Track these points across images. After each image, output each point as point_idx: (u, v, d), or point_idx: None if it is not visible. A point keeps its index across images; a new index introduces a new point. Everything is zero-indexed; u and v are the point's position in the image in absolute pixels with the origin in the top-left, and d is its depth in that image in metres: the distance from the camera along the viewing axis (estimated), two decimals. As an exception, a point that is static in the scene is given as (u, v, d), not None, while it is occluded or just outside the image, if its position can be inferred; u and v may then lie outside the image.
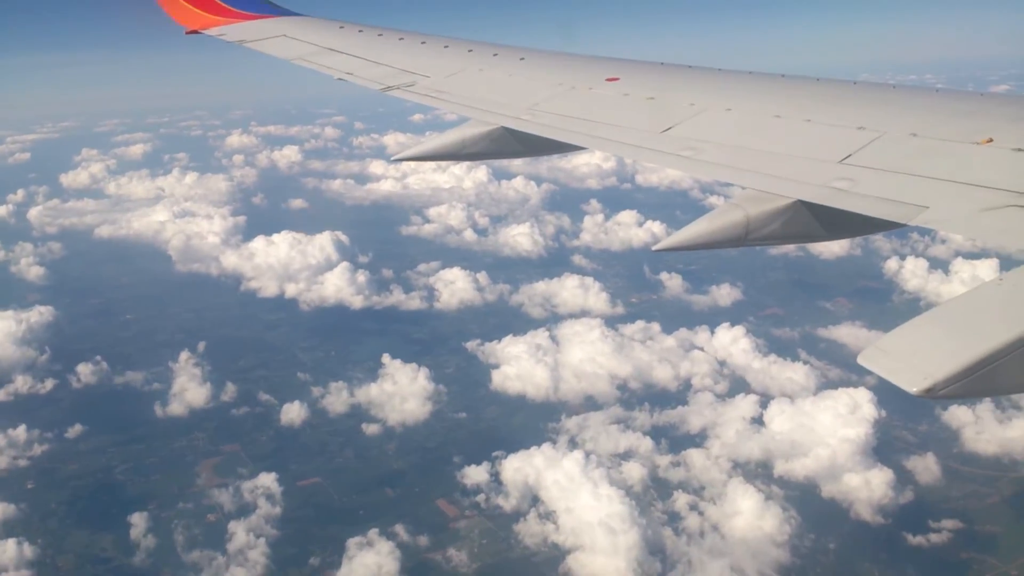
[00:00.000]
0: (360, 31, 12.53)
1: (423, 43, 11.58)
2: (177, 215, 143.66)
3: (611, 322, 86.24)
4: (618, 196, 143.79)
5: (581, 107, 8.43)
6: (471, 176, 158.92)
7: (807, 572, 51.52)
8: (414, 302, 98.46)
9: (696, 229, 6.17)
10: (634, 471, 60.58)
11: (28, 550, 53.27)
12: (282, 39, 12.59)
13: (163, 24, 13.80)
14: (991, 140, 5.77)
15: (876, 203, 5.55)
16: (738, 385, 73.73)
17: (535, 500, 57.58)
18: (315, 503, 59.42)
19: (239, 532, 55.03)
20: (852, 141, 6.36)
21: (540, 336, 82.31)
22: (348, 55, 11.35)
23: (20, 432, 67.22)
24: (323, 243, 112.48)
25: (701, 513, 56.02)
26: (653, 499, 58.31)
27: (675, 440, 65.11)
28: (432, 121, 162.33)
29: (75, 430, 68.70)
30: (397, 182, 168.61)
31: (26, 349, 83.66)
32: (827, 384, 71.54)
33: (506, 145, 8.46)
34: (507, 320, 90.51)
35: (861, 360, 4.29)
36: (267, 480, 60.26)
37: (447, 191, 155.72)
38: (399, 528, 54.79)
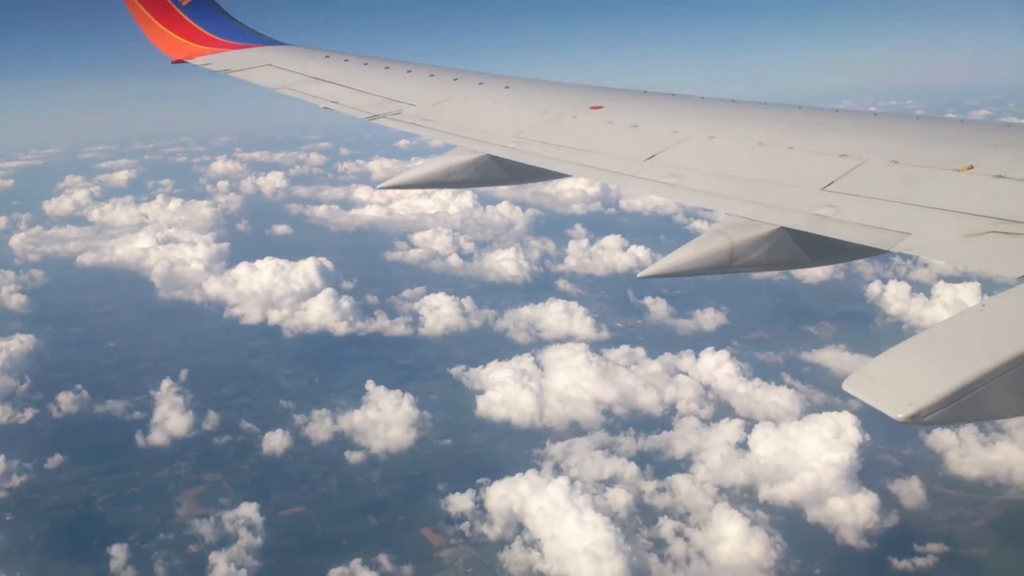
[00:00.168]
0: (346, 60, 12.58)
1: (409, 72, 11.63)
2: (160, 242, 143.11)
3: (596, 347, 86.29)
4: (603, 221, 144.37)
5: (566, 135, 8.47)
6: (456, 202, 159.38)
7: (794, 598, 51.42)
8: (399, 328, 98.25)
9: (681, 256, 6.19)
10: (619, 497, 60.38)
11: (6, 582, 52.50)
12: (267, 68, 12.63)
13: (149, 53, 13.83)
14: (972, 167, 5.83)
15: (859, 230, 5.59)
16: (723, 410, 73.80)
17: (520, 528, 57.24)
18: (298, 532, 58.79)
19: (220, 563, 54.40)
20: (835, 168, 6.42)
21: (525, 361, 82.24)
22: (334, 84, 11.39)
23: (-1, 462, 66.31)
24: (307, 269, 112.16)
25: (687, 539, 55.84)
26: (638, 525, 58.09)
27: (660, 465, 64.99)
28: (418, 147, 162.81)
29: (55, 460, 67.83)
30: (382, 207, 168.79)
31: (5, 378, 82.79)
32: (811, 408, 71.75)
33: (492, 173, 8.48)
34: (492, 345, 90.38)
35: (846, 387, 4.30)
36: (249, 510, 59.64)
37: (432, 216, 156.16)
38: (383, 558, 54.32)
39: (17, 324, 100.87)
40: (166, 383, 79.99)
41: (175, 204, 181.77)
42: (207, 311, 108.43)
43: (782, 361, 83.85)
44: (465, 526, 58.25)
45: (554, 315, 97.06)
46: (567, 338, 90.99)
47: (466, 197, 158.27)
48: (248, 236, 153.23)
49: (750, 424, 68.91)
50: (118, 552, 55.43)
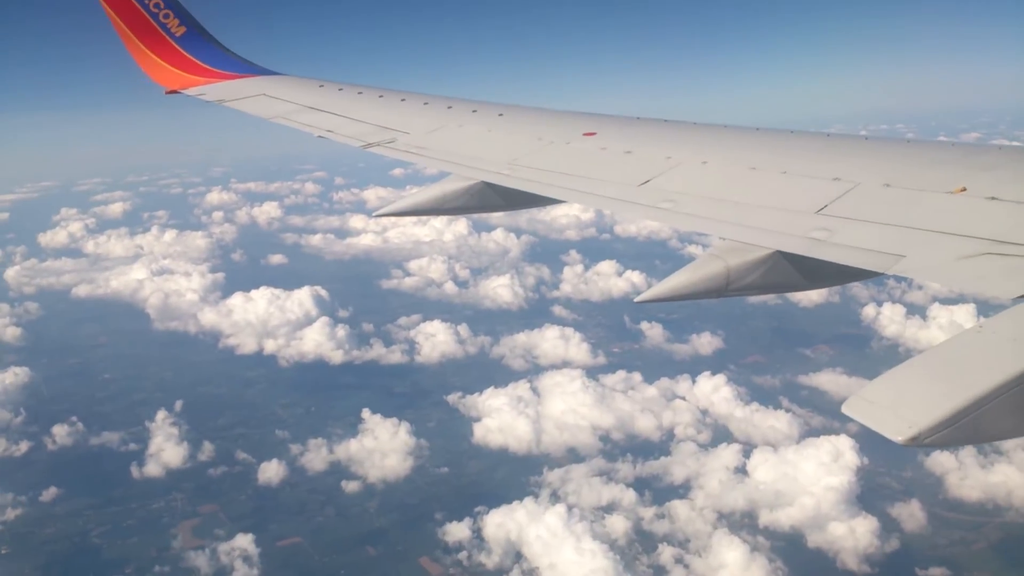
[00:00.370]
0: (340, 89, 12.63)
1: (403, 100, 11.67)
2: (155, 273, 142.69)
3: (592, 372, 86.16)
4: (597, 247, 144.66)
5: (560, 161, 8.49)
6: (451, 229, 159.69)
7: (796, 624, 51.02)
8: (395, 356, 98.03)
9: (677, 280, 6.19)
10: (618, 524, 60.02)
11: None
12: (262, 98, 12.66)
13: (143, 84, 13.88)
14: (964, 189, 5.86)
15: (854, 253, 5.59)
16: (721, 434, 73.59)
17: (518, 556, 56.84)
18: (295, 563, 58.31)
19: (217, 595, 53.90)
20: (828, 192, 6.43)
21: (521, 388, 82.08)
22: (328, 113, 11.42)
23: (-7, 496, 65.77)
24: (302, 298, 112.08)
25: (687, 566, 55.46)
26: (638, 553, 57.69)
27: (659, 491, 64.68)
28: (412, 175, 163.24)
29: (50, 493, 67.33)
30: (377, 236, 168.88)
31: (0, 411, 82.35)
32: (810, 432, 71.60)
33: (486, 199, 8.49)
34: (488, 372, 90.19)
35: (845, 409, 4.29)
36: (245, 541, 59.18)
37: (427, 244, 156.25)
38: (381, 588, 53.88)
39: (12, 357, 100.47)
40: (161, 414, 79.64)
41: (170, 235, 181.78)
42: (202, 342, 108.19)
43: (779, 385, 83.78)
44: (463, 555, 57.84)
45: (550, 341, 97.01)
46: (563, 364, 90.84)
47: (461, 225, 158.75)
48: (243, 266, 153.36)
49: (748, 448, 68.72)
50: (113, 586, 54.97)
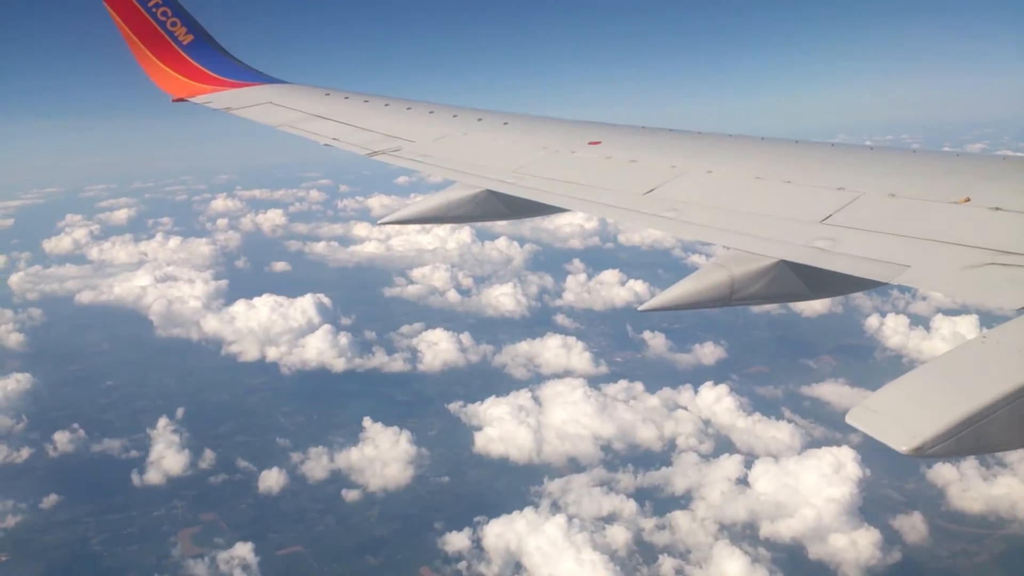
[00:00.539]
0: (346, 98, 12.66)
1: (408, 109, 11.71)
2: (159, 280, 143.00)
3: (594, 382, 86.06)
4: (601, 256, 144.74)
5: (565, 170, 8.50)
6: (455, 237, 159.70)
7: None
8: (397, 364, 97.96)
9: (681, 289, 6.19)
10: (618, 535, 59.83)
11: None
12: (268, 106, 12.70)
13: (150, 92, 13.92)
14: (968, 199, 5.86)
15: (858, 263, 5.60)
16: (723, 445, 73.40)
17: (518, 567, 56.68)
18: (295, 572, 58.20)
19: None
20: (832, 202, 6.44)
21: (523, 397, 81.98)
22: (334, 121, 11.45)
23: (-7, 502, 65.72)
24: (305, 306, 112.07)
25: (688, 577, 55.26)
26: (638, 564, 57.49)
27: (660, 502, 64.51)
28: (417, 183, 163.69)
29: (51, 500, 67.28)
30: (381, 244, 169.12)
31: (2, 417, 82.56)
32: (812, 443, 71.42)
33: (491, 208, 8.51)
34: (490, 381, 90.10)
35: (849, 419, 4.29)
36: (244, 550, 59.08)
37: (431, 252, 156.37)
38: (381, 597, 53.74)
39: (15, 363, 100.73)
40: (163, 421, 79.65)
41: (174, 242, 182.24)
42: (205, 349, 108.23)
43: (782, 395, 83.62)
44: (463, 565, 57.68)
45: (552, 350, 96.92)
46: (565, 373, 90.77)
47: (464, 233, 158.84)
48: (247, 273, 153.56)
49: (750, 459, 68.53)
50: (113, 593, 54.87)
